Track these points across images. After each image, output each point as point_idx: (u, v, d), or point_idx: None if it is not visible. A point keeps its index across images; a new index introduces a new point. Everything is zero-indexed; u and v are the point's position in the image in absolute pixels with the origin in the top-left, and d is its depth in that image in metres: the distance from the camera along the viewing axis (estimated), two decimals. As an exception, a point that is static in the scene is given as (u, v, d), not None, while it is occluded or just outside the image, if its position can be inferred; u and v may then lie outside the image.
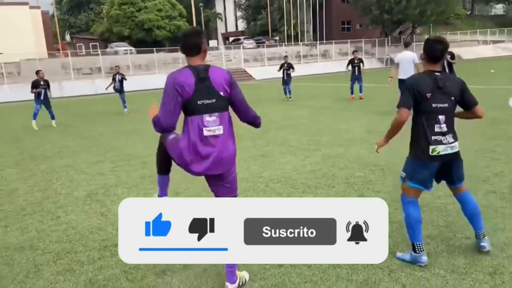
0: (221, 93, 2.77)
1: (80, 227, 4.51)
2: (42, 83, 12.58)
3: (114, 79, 15.51)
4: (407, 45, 11.80)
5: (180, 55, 36.22)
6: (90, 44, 51.00)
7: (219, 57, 38.43)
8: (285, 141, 8.53)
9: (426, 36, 41.98)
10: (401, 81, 10.85)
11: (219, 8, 69.14)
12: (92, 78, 30.38)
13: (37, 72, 12.84)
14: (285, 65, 16.54)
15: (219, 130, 2.78)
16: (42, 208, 5.23)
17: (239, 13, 61.47)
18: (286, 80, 16.42)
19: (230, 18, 69.66)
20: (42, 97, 12.56)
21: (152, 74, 33.04)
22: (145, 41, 44.60)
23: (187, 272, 3.36)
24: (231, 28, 69.95)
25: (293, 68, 16.63)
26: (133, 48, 37.12)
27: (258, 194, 5.24)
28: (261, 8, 53.87)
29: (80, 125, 13.13)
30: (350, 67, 15.06)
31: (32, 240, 4.23)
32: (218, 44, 54.92)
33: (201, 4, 56.53)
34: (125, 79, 15.65)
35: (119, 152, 8.39)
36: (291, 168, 6.36)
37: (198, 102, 2.71)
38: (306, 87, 23.50)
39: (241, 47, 38.87)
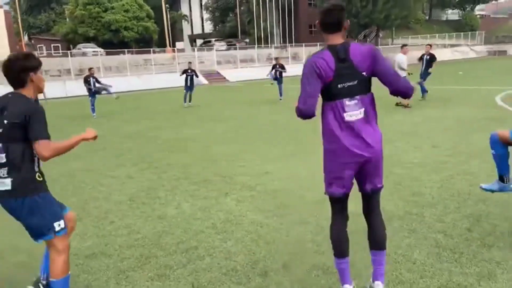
0: (364, 73, 2.56)
1: (144, 231, 4.33)
2: None
3: (87, 82, 14.92)
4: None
5: (152, 56, 35.76)
6: (52, 45, 49.06)
7: (192, 59, 37.98)
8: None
9: (389, 40, 43.65)
10: None
11: (184, 10, 68.46)
12: (62, 80, 29.21)
13: None
14: (277, 66, 16.64)
15: (361, 113, 2.59)
16: (87, 213, 4.98)
17: (206, 15, 61.11)
18: (279, 80, 16.52)
19: (196, 20, 69.17)
20: None
21: (123, 76, 32.20)
22: (112, 42, 43.44)
23: (292, 271, 3.31)
24: (197, 30, 69.45)
25: (284, 69, 16.74)
26: (101, 50, 36.01)
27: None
28: (229, 11, 53.84)
29: (68, 128, 12.60)
30: None
31: (99, 247, 4.02)
32: (184, 46, 54.42)
33: (167, 5, 55.75)
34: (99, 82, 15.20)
35: (133, 155, 8.13)
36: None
37: (339, 85, 2.54)
38: (287, 89, 23.67)
39: (214, 49, 38.62)
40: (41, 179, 2.76)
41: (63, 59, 33.20)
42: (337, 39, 2.61)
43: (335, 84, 2.54)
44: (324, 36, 2.66)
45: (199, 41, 63.82)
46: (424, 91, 13.58)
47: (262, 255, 3.61)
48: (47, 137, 2.62)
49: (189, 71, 16.97)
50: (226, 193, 5.40)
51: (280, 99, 16.44)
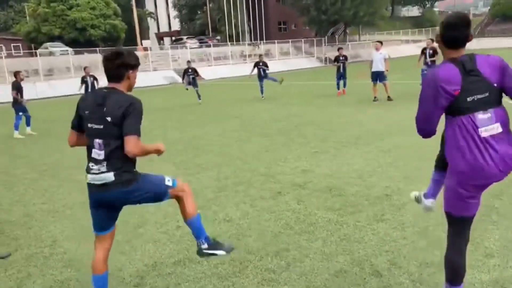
0: (495, 85, 2.35)
1: (218, 235, 4.18)
2: None
3: (85, 82, 14.45)
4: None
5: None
6: (12, 45, 46.70)
7: (165, 57, 37.32)
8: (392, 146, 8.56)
9: (357, 36, 44.49)
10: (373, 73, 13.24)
11: (150, 8, 67.00)
12: (32, 82, 27.88)
13: None
14: (260, 64, 16.52)
15: (497, 128, 2.33)
16: (146, 219, 4.76)
17: (174, 13, 60.08)
18: (263, 78, 16.41)
19: (162, 17, 67.88)
20: None
21: (97, 75, 31.13)
22: (78, 41, 41.87)
23: (404, 269, 3.28)
24: (163, 28, 68.19)
25: (267, 67, 16.65)
26: (70, 49, 34.68)
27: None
28: (197, 8, 53.18)
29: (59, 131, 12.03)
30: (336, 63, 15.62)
31: (181, 253, 3.86)
32: (151, 44, 53.18)
33: (132, 3, 54.30)
34: (97, 81, 14.66)
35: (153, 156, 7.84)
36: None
37: (468, 99, 2.31)
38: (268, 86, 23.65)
39: (188, 47, 38.05)
40: (137, 173, 2.80)
41: (30, 59, 31.73)
42: (461, 52, 2.42)
43: (463, 98, 2.32)
44: (444, 51, 2.47)
45: (166, 39, 62.79)
46: None
47: (362, 255, 3.57)
48: (139, 133, 2.63)
49: (190, 70, 16.52)
50: (279, 192, 5.32)
51: (262, 97, 16.37)
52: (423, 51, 14.12)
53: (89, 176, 2.71)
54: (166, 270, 3.59)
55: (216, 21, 47.82)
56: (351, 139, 8.11)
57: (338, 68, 15.44)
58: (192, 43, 41.01)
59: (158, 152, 2.98)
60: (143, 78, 32.42)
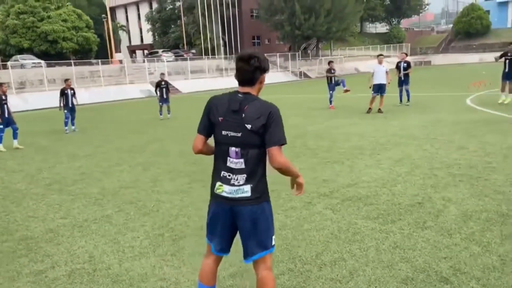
0: None
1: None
2: None
3: (65, 94, 13.93)
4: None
5: (101, 68, 34.04)
6: (-23, 57, 44.99)
7: (142, 70, 36.86)
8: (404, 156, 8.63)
9: (328, 51, 45.76)
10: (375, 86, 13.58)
11: (121, 21, 66.29)
12: (4, 94, 26.83)
13: None
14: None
15: None
16: (185, 233, 4.63)
17: (146, 26, 59.63)
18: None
19: (134, 30, 67.25)
20: None
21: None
22: (49, 53, 40.81)
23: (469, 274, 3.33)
24: (135, 40, 67.52)
25: None
26: (42, 61, 33.72)
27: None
28: (172, 21, 53.01)
29: (45, 145, 11.62)
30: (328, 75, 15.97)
31: (240, 264, 3.76)
32: (114, 58, 52.44)
33: (103, 15, 53.61)
34: (75, 94, 14.19)
35: (172, 168, 7.69)
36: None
37: None
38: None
39: (165, 60, 37.75)
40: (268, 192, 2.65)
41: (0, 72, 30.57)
42: None
43: None
44: None
45: (138, 52, 62.17)
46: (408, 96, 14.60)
47: (421, 262, 3.59)
48: (284, 143, 2.50)
49: (163, 83, 16.45)
50: (309, 202, 5.31)
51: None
52: (398, 65, 14.69)
53: (225, 187, 2.56)
54: (226, 282, 3.50)
55: (191, 34, 47.73)
56: (356, 149, 8.22)
57: (330, 80, 15.68)
58: (167, 56, 40.75)
59: (297, 179, 2.72)
60: (119, 91, 32.02)
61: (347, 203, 5.19)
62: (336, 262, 3.68)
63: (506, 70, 12.80)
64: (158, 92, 16.41)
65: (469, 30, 64.65)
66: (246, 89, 2.54)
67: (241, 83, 2.56)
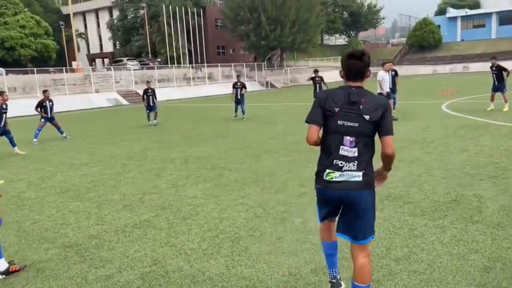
0: None
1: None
2: None
3: (44, 107, 13.31)
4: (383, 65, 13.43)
5: (66, 76, 32.83)
6: None
7: (107, 78, 35.90)
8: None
9: (292, 62, 46.61)
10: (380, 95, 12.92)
11: (79, 28, 64.28)
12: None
13: None
14: (238, 84, 16.62)
15: None
16: (257, 228, 4.61)
17: (106, 34, 58.25)
18: (240, 100, 16.46)
19: (93, 38, 65.48)
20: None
21: (32, 97, 29.01)
22: (6, 61, 38.90)
23: (540, 261, 3.55)
24: (94, 48, 65.72)
25: (245, 88, 16.82)
26: (2, 69, 32.11)
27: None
28: (134, 30, 52.10)
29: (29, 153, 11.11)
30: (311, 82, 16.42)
31: (318, 260, 3.80)
32: (78, 66, 50.89)
33: (61, 22, 51.93)
34: (53, 105, 13.63)
35: (187, 173, 7.57)
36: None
37: None
38: (228, 107, 23.75)
39: (132, 69, 36.98)
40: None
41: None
42: None
43: None
44: None
45: (98, 61, 60.50)
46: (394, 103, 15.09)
47: (490, 252, 3.79)
48: (393, 133, 2.70)
49: (149, 90, 16.30)
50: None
51: (244, 117, 16.44)
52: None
53: (337, 173, 2.69)
54: (311, 279, 3.53)
55: (155, 43, 47.12)
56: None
57: (315, 88, 16.09)
58: (133, 64, 39.95)
59: (388, 171, 2.90)
60: (84, 100, 31.01)
61: (386, 202, 5.35)
62: (409, 256, 3.81)
63: (494, 82, 13.83)
64: (145, 100, 16.25)
65: (422, 43, 68.12)
66: (357, 84, 2.74)
67: (353, 78, 2.74)
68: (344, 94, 2.71)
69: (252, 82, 46.11)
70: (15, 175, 8.47)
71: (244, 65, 46.66)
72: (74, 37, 38.18)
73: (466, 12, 73.92)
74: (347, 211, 2.78)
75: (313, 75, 16.59)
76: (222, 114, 19.45)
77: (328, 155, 2.75)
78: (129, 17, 52.64)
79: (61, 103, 29.35)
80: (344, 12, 71.90)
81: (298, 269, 3.70)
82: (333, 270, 3.13)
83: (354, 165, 2.67)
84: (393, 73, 15.28)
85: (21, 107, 24.37)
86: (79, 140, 13.25)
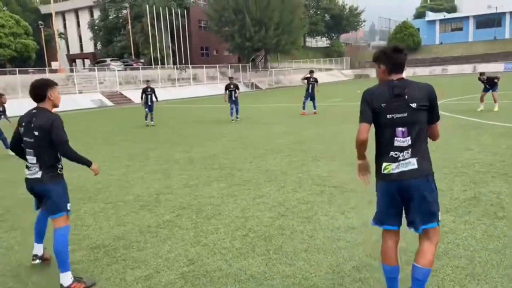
0: None
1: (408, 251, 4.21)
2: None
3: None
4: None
5: (48, 77, 32.07)
6: None
7: (90, 79, 35.27)
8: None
9: (276, 63, 46.69)
10: None
11: (58, 28, 62.98)
12: None
13: None
14: (231, 86, 16.55)
15: None
16: (285, 227, 4.59)
17: (86, 34, 57.29)
18: (234, 101, 16.38)
19: (73, 38, 64.29)
20: None
21: (14, 98, 28.23)
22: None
23: None
24: (74, 49, 64.51)
25: (238, 89, 16.78)
26: (-19, 69, 31.18)
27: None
28: (117, 30, 51.38)
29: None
30: (305, 82, 16.57)
31: (367, 256, 3.81)
32: (59, 66, 49.94)
33: (40, 22, 50.82)
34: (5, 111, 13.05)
35: (184, 174, 7.49)
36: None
37: None
38: (217, 108, 23.65)
39: (116, 69, 36.43)
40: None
41: None
42: None
43: None
44: None
45: (78, 61, 59.40)
46: None
47: (524, 245, 3.88)
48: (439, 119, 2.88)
49: (149, 90, 16.14)
50: (370, 201, 5.46)
51: (237, 118, 16.39)
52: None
53: (393, 165, 2.75)
54: (355, 276, 3.53)
55: (139, 44, 46.56)
56: (372, 152, 8.50)
57: (308, 89, 16.18)
58: (116, 65, 39.36)
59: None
60: (68, 101, 30.26)
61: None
62: (447, 252, 3.85)
63: (485, 85, 14.50)
64: (143, 98, 16.07)
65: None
66: (399, 76, 2.85)
67: (395, 70, 2.84)
68: (388, 88, 2.79)
69: (237, 83, 46.07)
70: (15, 177, 8.21)
71: (229, 66, 46.60)
72: (56, 36, 37.42)
73: (444, 16, 75.64)
74: (409, 202, 2.80)
75: (308, 75, 16.69)
76: (214, 115, 19.37)
77: (384, 149, 2.82)
78: (111, 17, 51.87)
79: (44, 104, 28.80)
80: (326, 15, 72.57)
81: (339, 266, 3.71)
82: None
83: (408, 153, 2.74)
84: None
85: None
86: (72, 141, 12.92)
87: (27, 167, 3.65)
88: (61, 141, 3.52)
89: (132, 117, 21.00)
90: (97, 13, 58.01)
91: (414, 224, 2.83)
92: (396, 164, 2.74)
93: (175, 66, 44.02)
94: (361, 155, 3.02)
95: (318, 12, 72.14)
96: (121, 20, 50.86)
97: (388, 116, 2.75)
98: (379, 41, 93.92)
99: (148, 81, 17.68)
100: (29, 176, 3.66)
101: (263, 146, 10.08)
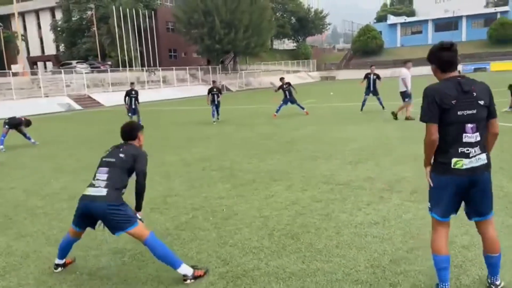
0: None
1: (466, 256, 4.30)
2: None
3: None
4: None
5: (12, 80, 30.70)
6: None
7: (56, 82, 34.06)
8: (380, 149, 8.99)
9: (244, 65, 46.64)
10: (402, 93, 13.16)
11: (17, 29, 60.49)
12: None
13: None
14: (214, 90, 16.45)
15: None
16: (307, 225, 4.59)
17: (51, 36, 55.31)
18: (217, 105, 16.27)
19: (34, 40, 61.90)
20: None
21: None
22: None
23: None
24: (35, 51, 62.13)
25: (221, 93, 16.71)
26: None
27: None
28: (81, 32, 49.89)
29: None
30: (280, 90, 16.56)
31: (403, 250, 3.88)
32: (23, 69, 48.06)
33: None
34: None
35: (184, 177, 7.38)
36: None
37: None
38: (193, 110, 23.43)
39: (83, 72, 35.37)
40: None
41: None
42: None
43: None
44: None
45: (40, 64, 57.25)
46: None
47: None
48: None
49: (133, 92, 15.67)
50: (382, 197, 5.58)
51: (218, 119, 16.30)
52: (367, 76, 15.82)
53: (466, 160, 2.81)
54: (395, 269, 3.60)
55: (105, 46, 45.40)
56: (364, 150, 8.67)
57: (285, 95, 16.33)
58: (83, 67, 38.22)
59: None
60: (33, 105, 29.18)
61: (416, 195, 5.55)
62: (474, 244, 3.98)
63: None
64: (127, 101, 15.59)
65: (366, 49, 71.03)
66: (454, 73, 2.91)
67: (447, 68, 2.92)
68: (454, 85, 2.82)
69: (207, 85, 45.59)
70: (3, 183, 7.84)
71: (199, 69, 46.28)
72: (19, 37, 35.95)
73: (405, 19, 78.13)
74: (474, 194, 2.91)
75: (280, 83, 16.59)
76: (192, 117, 19.19)
77: (451, 145, 2.85)
78: (74, 18, 50.30)
79: (8, 109, 27.51)
80: (292, 17, 73.38)
81: (376, 261, 3.76)
82: (446, 284, 3.03)
83: (478, 149, 2.85)
84: (374, 76, 15.89)
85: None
86: (51, 146, 12.49)
87: (92, 185, 3.65)
88: (142, 170, 3.71)
89: (108, 120, 20.46)
90: (59, 14, 56.18)
91: (478, 214, 2.97)
92: (468, 160, 2.81)
93: (143, 68, 43.18)
94: (430, 160, 3.00)
95: (285, 15, 72.85)
96: (85, 21, 49.42)
97: (458, 112, 2.79)
98: (343, 43, 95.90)
99: (132, 83, 17.09)
100: (91, 193, 3.58)
101: (256, 147, 10.07)
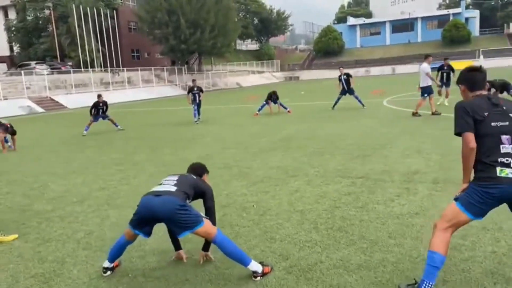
0: None
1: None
2: None
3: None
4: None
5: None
6: None
7: (15, 84, 32.35)
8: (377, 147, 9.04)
9: (209, 66, 46.55)
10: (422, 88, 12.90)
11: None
12: None
13: None
14: (195, 89, 16.16)
15: None
16: (347, 217, 4.54)
17: (5, 36, 52.51)
18: (198, 104, 16.00)
19: (-16, 41, 58.51)
20: None
21: None
22: None
23: None
24: (-14, 52, 58.75)
25: (202, 92, 16.44)
26: None
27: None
28: (38, 31, 47.72)
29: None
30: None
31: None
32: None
33: None
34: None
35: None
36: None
37: None
38: (168, 111, 22.93)
39: (45, 73, 33.80)
40: None
41: None
42: None
43: None
44: None
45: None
46: None
47: None
48: None
49: (101, 104, 14.73)
50: (407, 188, 5.64)
51: (199, 119, 16.03)
52: (339, 77, 16.25)
53: (508, 170, 2.81)
54: (456, 256, 3.63)
55: (64, 46, 43.62)
56: (362, 146, 8.76)
57: (269, 97, 16.51)
58: (42, 68, 36.51)
59: None
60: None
61: (440, 185, 5.66)
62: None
63: (444, 80, 15.26)
64: (94, 111, 14.60)
65: (328, 50, 72.40)
66: (482, 92, 3.09)
67: (476, 87, 3.10)
68: (485, 100, 2.99)
69: (173, 86, 45.13)
70: (4, 190, 7.31)
71: (165, 69, 45.49)
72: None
73: (364, 21, 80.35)
74: None
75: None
76: (171, 118, 18.77)
77: (489, 156, 2.88)
78: (30, 18, 48.03)
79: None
80: (255, 18, 73.62)
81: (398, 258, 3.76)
82: (431, 283, 3.00)
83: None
84: (345, 76, 16.21)
85: None
86: (29, 150, 11.83)
87: (160, 184, 3.66)
88: (211, 195, 3.88)
89: (77, 123, 19.57)
90: (12, 14, 53.50)
91: None
92: (510, 170, 2.81)
93: (106, 69, 41.87)
94: (469, 175, 2.99)
95: (247, 16, 72.97)
96: (41, 21, 47.31)
97: (492, 124, 2.89)
98: (304, 44, 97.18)
99: (100, 95, 15.17)
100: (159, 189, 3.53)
101: (253, 145, 9.97)
